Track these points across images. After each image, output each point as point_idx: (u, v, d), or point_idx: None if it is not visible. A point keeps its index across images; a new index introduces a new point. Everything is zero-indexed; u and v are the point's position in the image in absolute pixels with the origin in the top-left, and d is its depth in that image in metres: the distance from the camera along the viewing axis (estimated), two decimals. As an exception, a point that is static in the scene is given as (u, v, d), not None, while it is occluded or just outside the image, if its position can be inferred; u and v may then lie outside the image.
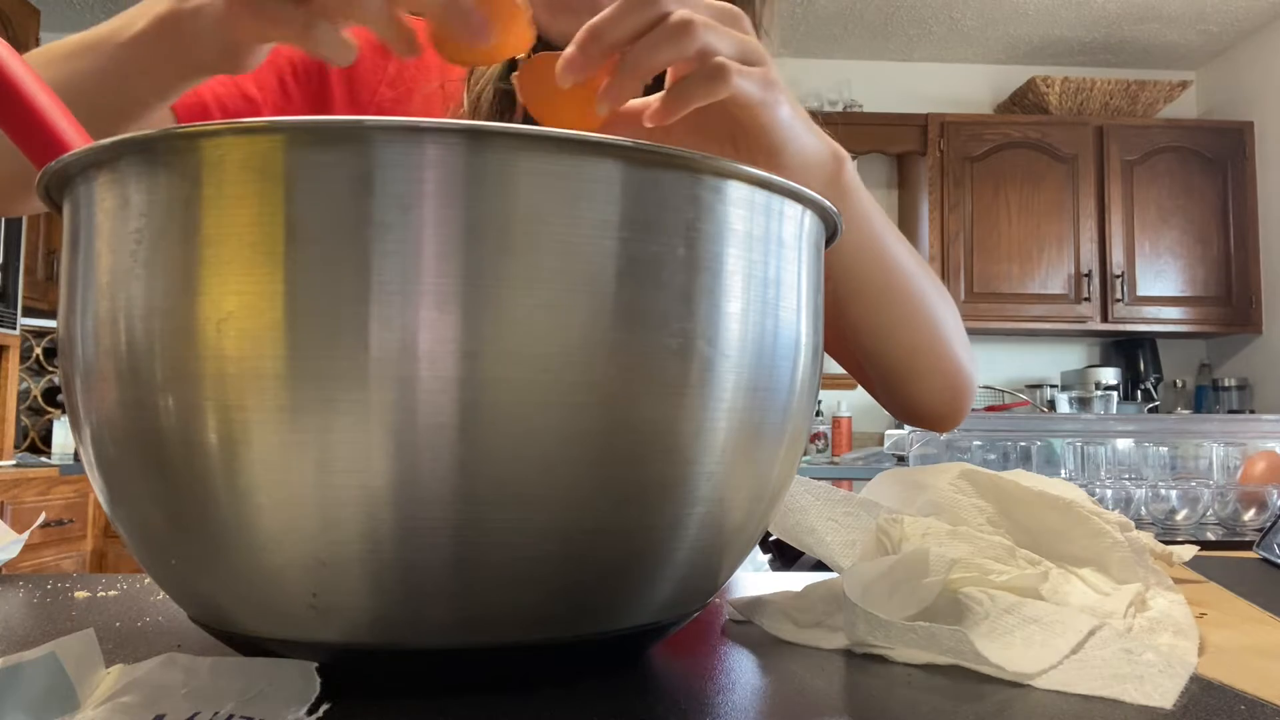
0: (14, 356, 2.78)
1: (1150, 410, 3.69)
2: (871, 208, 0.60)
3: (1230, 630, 0.47)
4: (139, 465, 0.34)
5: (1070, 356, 3.92)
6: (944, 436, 1.19)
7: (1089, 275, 3.54)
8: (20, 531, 0.62)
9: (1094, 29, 3.64)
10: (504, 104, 0.69)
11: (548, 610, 0.33)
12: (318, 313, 0.30)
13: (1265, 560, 0.73)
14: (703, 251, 0.34)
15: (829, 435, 3.57)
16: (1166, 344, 3.86)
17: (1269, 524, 0.79)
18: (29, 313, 2.97)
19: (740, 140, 0.51)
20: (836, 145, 0.56)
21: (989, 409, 3.60)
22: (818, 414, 3.58)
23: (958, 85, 3.94)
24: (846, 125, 3.62)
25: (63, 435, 3.27)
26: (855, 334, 0.65)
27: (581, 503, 0.32)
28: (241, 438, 0.31)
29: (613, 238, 0.32)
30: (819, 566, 0.56)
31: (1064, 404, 3.43)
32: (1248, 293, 3.59)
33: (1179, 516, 1.15)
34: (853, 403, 3.76)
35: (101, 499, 0.37)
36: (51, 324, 3.29)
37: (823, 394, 3.71)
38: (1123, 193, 3.58)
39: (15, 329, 2.75)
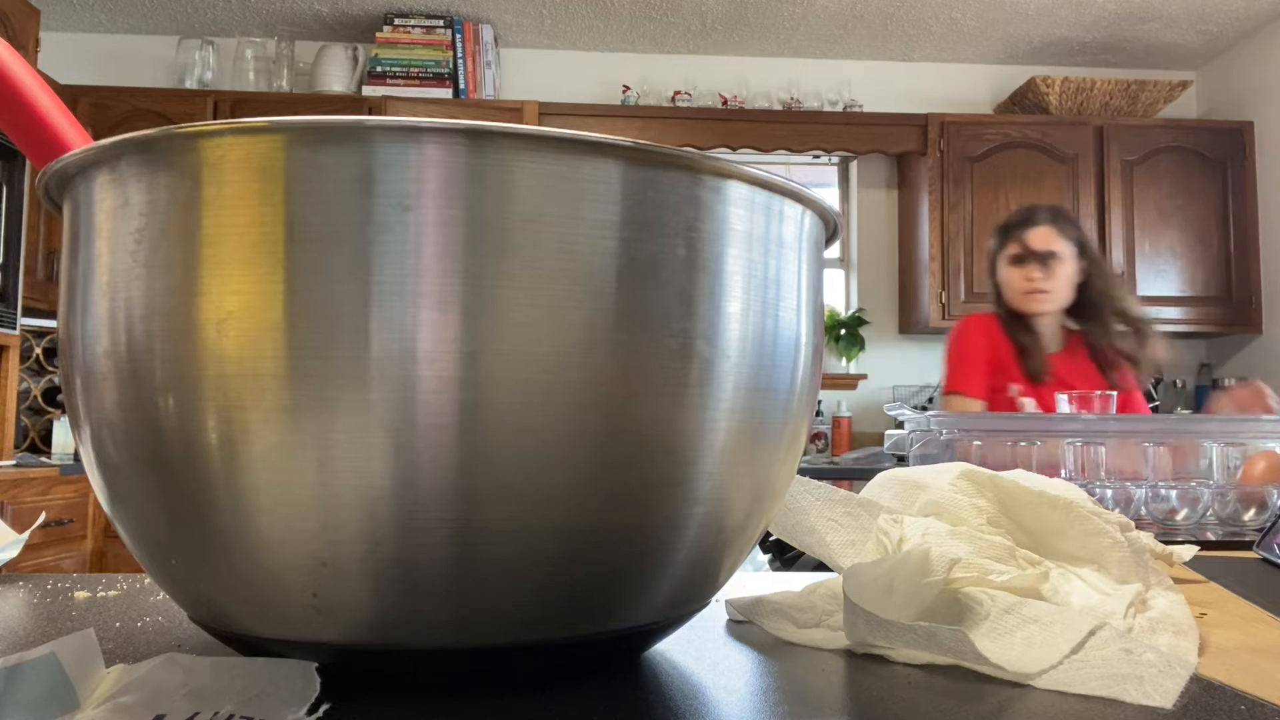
0: (14, 356, 2.78)
1: (1150, 410, 3.69)
2: None
3: (1230, 630, 0.47)
4: (139, 465, 0.34)
5: (1070, 356, 3.91)
6: (944, 436, 1.19)
7: (1089, 275, 3.54)
8: (20, 531, 0.62)
9: (1094, 29, 3.64)
10: None
11: (547, 610, 0.33)
12: (318, 313, 0.30)
13: (1265, 560, 0.73)
14: (703, 251, 0.34)
15: (829, 435, 3.57)
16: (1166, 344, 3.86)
17: (1269, 524, 0.79)
18: (29, 313, 2.97)
19: None
20: None
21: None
22: (818, 414, 3.58)
23: (958, 85, 3.94)
24: (846, 125, 3.62)
25: (63, 435, 3.27)
26: None
27: (581, 502, 0.32)
28: (241, 438, 0.31)
29: (613, 238, 0.32)
30: (819, 566, 0.56)
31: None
32: (1248, 293, 3.59)
33: (1179, 516, 1.14)
34: (853, 403, 3.76)
35: (101, 499, 0.37)
36: (51, 324, 3.29)
37: (823, 394, 3.71)
38: (1123, 193, 3.58)
39: (15, 329, 2.75)
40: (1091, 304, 1.99)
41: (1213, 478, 1.21)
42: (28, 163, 2.67)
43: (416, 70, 3.49)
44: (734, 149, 3.57)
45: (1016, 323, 2.01)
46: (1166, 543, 0.61)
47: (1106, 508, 0.57)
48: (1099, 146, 3.59)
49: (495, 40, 3.65)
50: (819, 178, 3.99)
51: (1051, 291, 1.97)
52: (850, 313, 3.79)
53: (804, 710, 0.34)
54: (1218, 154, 3.61)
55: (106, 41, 3.72)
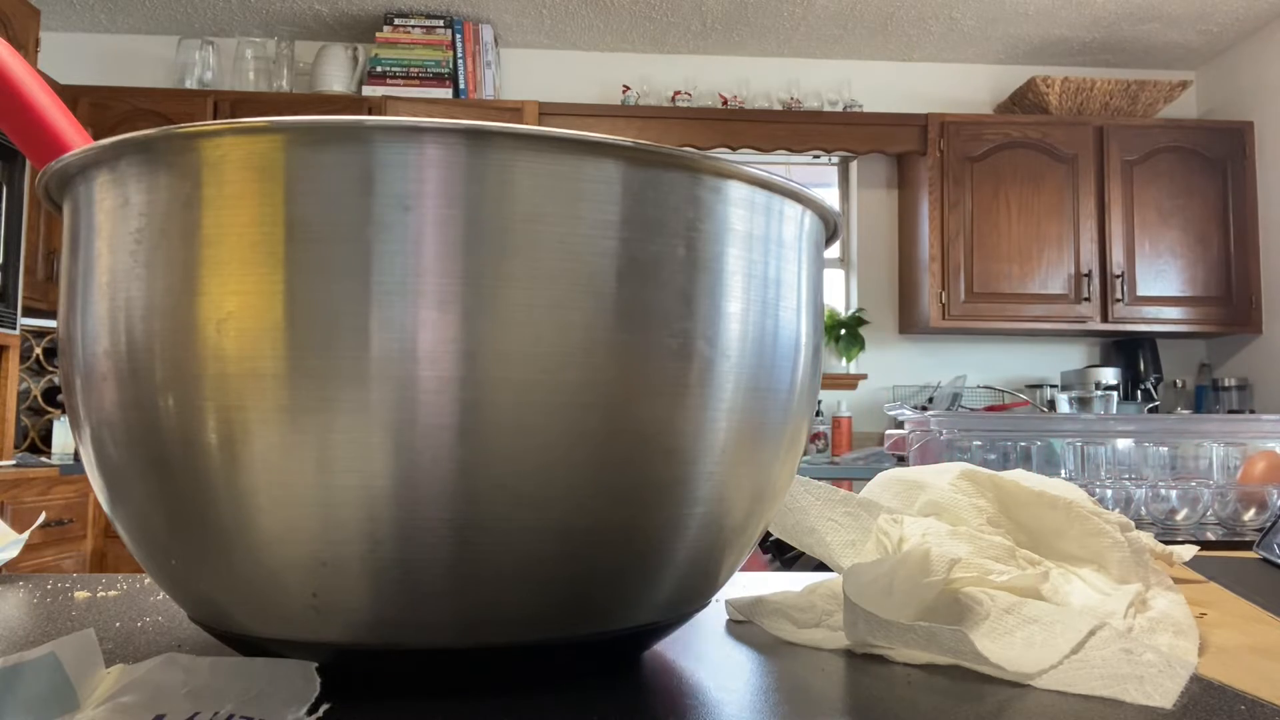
0: (14, 356, 2.78)
1: (1150, 410, 3.69)
2: None
3: (1230, 630, 0.47)
4: (139, 465, 0.34)
5: (1070, 356, 3.92)
6: (944, 436, 1.19)
7: (1089, 275, 3.54)
8: (20, 531, 0.62)
9: (1094, 29, 3.64)
10: None
11: (547, 610, 0.33)
12: (318, 313, 0.30)
13: (1265, 560, 0.73)
14: (703, 251, 0.34)
15: (829, 435, 3.57)
16: (1166, 344, 3.86)
17: (1269, 524, 0.79)
18: (29, 313, 2.98)
19: None
20: None
21: (989, 409, 3.60)
22: (818, 414, 3.58)
23: (958, 85, 3.94)
24: (846, 125, 3.62)
25: (63, 435, 3.27)
26: None
27: (581, 502, 0.32)
28: (241, 438, 0.31)
29: (613, 238, 0.32)
30: (819, 567, 0.56)
31: (1064, 404, 3.43)
32: (1248, 293, 3.59)
33: (1179, 516, 1.15)
34: (853, 403, 3.76)
35: (101, 499, 0.37)
36: (51, 324, 3.29)
37: (823, 394, 3.71)
38: (1123, 193, 3.58)
39: (15, 329, 2.75)
40: None
41: (1213, 478, 1.21)
42: (28, 163, 2.67)
43: (416, 70, 3.49)
44: (734, 149, 3.57)
45: None
46: (1166, 543, 0.61)
47: (1106, 508, 0.57)
48: (1099, 146, 3.59)
49: (495, 40, 3.65)
50: (819, 178, 3.99)
51: None
52: (850, 313, 3.79)
53: (804, 710, 0.34)
54: (1218, 154, 3.61)
55: (106, 41, 3.72)
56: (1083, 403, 3.29)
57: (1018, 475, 0.56)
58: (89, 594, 0.55)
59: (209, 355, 0.31)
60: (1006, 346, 3.88)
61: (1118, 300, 3.54)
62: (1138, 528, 0.56)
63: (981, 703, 0.35)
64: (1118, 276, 3.55)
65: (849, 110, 3.69)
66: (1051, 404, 3.64)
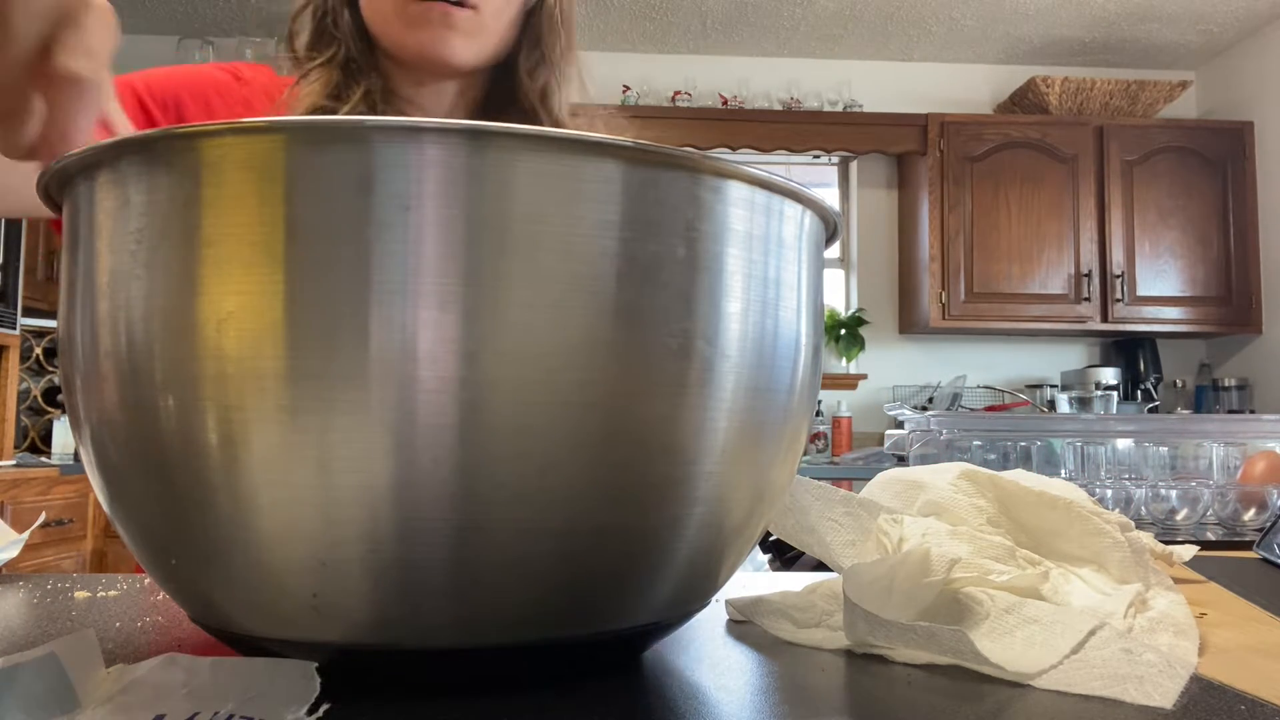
0: (14, 356, 2.78)
1: (1150, 410, 3.69)
2: None
3: (1230, 630, 0.47)
4: (139, 465, 0.34)
5: (1070, 356, 3.92)
6: (944, 436, 1.19)
7: (1089, 275, 3.54)
8: (20, 531, 0.62)
9: (1094, 29, 3.63)
10: None
11: (548, 610, 0.33)
12: (318, 313, 0.30)
13: (1265, 560, 0.73)
14: (703, 251, 0.34)
15: (829, 435, 3.57)
16: (1166, 344, 3.86)
17: (1269, 524, 0.79)
18: (29, 313, 2.97)
19: None
20: None
21: (989, 409, 3.60)
22: (818, 414, 3.58)
23: (958, 85, 3.94)
24: (846, 125, 3.62)
25: (63, 435, 3.27)
26: None
27: (581, 503, 0.32)
28: (241, 438, 0.31)
29: (613, 238, 0.32)
30: (819, 566, 0.56)
31: (1064, 404, 3.43)
32: (1248, 293, 3.58)
33: (1179, 516, 1.15)
34: (853, 403, 3.76)
35: (101, 499, 0.37)
36: (51, 324, 3.29)
37: (823, 394, 3.71)
38: (1123, 193, 3.58)
39: (15, 329, 2.74)
40: (539, 62, 0.86)
41: (1213, 478, 1.21)
42: (28, 163, 2.66)
43: (416, 70, 3.49)
44: (734, 149, 3.57)
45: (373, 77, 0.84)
46: (1166, 543, 0.61)
47: (1106, 508, 0.57)
48: (1099, 146, 3.59)
49: (495, 40, 3.64)
50: (819, 178, 3.99)
51: (481, 16, 0.81)
52: (850, 313, 3.79)
53: (804, 710, 0.34)
54: (1218, 154, 3.61)
55: (106, 41, 3.72)
56: (1083, 403, 3.29)
57: (1018, 475, 0.56)
58: (89, 594, 0.55)
59: (209, 355, 0.31)
60: (1006, 346, 3.88)
61: (1118, 300, 3.54)
62: (1138, 528, 0.56)
63: (981, 703, 0.35)
64: (1118, 276, 3.54)
65: (849, 110, 3.69)
66: (1051, 404, 3.64)
